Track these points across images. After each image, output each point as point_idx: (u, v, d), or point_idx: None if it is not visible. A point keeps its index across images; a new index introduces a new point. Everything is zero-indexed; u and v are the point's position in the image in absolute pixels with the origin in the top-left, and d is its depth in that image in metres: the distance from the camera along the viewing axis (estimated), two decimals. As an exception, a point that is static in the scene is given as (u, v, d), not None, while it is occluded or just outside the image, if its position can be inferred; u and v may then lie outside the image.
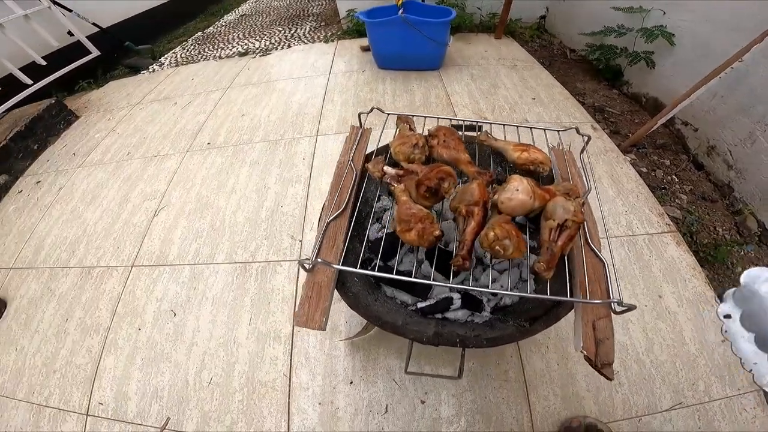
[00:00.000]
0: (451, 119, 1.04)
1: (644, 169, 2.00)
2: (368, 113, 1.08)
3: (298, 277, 1.62)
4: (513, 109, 2.40)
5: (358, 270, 0.75)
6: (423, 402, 1.27)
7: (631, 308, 0.67)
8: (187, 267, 1.73)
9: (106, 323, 1.59)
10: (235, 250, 1.77)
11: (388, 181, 0.80)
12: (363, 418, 1.25)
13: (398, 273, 0.83)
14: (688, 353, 1.31)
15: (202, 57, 3.86)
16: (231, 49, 3.90)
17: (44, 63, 3.11)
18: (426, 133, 0.95)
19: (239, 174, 2.16)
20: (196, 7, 5.78)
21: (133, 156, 2.46)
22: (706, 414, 1.20)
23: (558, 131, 1.01)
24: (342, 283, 0.87)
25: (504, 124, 1.09)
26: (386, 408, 1.27)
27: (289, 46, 3.69)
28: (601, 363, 0.71)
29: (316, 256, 0.81)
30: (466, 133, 1.11)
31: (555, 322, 0.80)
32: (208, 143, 2.44)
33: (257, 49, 3.76)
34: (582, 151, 1.02)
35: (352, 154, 1.05)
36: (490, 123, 1.10)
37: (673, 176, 1.98)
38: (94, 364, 1.48)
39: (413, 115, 1.04)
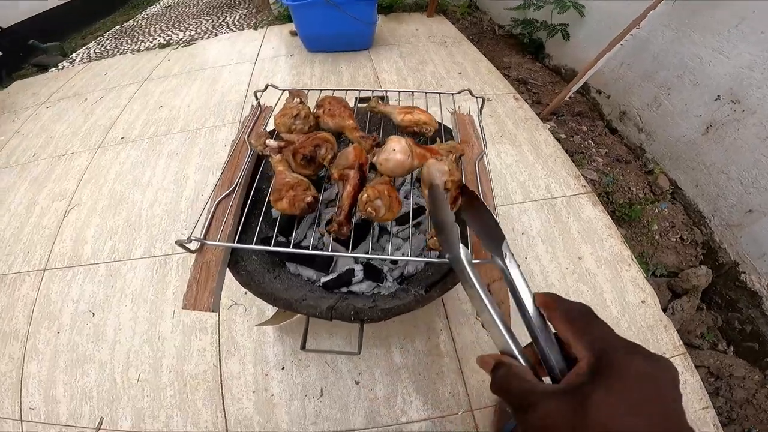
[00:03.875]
0: (347, 90, 1.01)
1: (563, 136, 2.08)
2: (263, 91, 1.03)
3: (220, 265, 1.58)
4: (439, 83, 2.41)
5: (236, 245, 0.72)
6: (357, 383, 1.26)
7: None
8: (103, 265, 1.66)
9: (24, 329, 1.52)
10: (154, 244, 1.70)
11: (268, 153, 0.76)
12: (299, 404, 1.24)
13: (301, 248, 0.80)
14: (611, 316, 1.35)
15: (118, 51, 3.57)
16: (151, 42, 3.63)
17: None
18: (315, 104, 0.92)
19: (156, 166, 2.05)
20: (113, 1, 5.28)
21: (40, 156, 2.27)
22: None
23: (452, 95, 1.01)
24: (235, 261, 0.83)
25: (400, 91, 1.07)
26: (321, 391, 1.25)
27: (216, 35, 3.49)
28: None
29: (214, 234, 0.77)
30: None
31: (452, 287, 0.78)
32: (122, 138, 2.28)
33: (180, 39, 3.53)
34: (480, 114, 1.03)
35: (248, 133, 1.00)
36: (391, 90, 1.08)
37: (590, 141, 2.07)
38: (18, 371, 1.43)
39: (308, 89, 1.00)
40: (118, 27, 4.39)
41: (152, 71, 2.97)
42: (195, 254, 0.78)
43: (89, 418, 1.30)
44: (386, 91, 1.04)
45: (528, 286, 0.40)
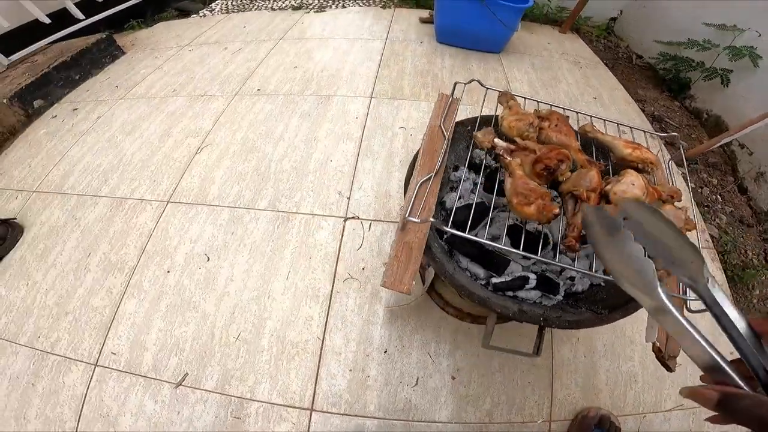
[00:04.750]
0: (551, 105, 1.03)
1: (692, 185, 2.01)
2: (467, 83, 1.07)
3: (342, 235, 1.58)
4: (573, 104, 2.34)
5: (465, 234, 0.76)
6: (454, 378, 1.28)
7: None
8: (227, 209, 1.66)
9: (132, 262, 1.48)
10: (279, 198, 1.70)
11: (500, 153, 0.81)
12: (392, 389, 1.24)
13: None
14: (700, 363, 1.36)
15: (254, 6, 3.75)
16: (285, 1, 3.79)
17: (101, -1, 3.09)
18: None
19: (288, 123, 2.10)
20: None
21: (179, 93, 2.42)
22: (698, 418, 1.26)
23: (660, 136, 1.02)
24: (428, 247, 0.87)
25: (605, 120, 1.08)
26: (417, 380, 1.26)
27: (344, 6, 3.57)
28: (668, 355, 0.78)
29: (416, 215, 0.82)
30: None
31: (633, 312, 0.83)
32: (258, 89, 2.39)
33: (311, 4, 3.65)
34: (670, 160, 1.04)
35: (442, 120, 1.05)
36: (591, 116, 1.08)
37: (718, 196, 2.01)
38: (113, 308, 1.37)
39: (516, 95, 1.04)
40: (255, -18, 4.60)
41: (287, 31, 3.08)
42: (399, 233, 0.83)
43: (173, 372, 1.24)
44: (593, 116, 1.04)
45: (738, 310, 0.42)
